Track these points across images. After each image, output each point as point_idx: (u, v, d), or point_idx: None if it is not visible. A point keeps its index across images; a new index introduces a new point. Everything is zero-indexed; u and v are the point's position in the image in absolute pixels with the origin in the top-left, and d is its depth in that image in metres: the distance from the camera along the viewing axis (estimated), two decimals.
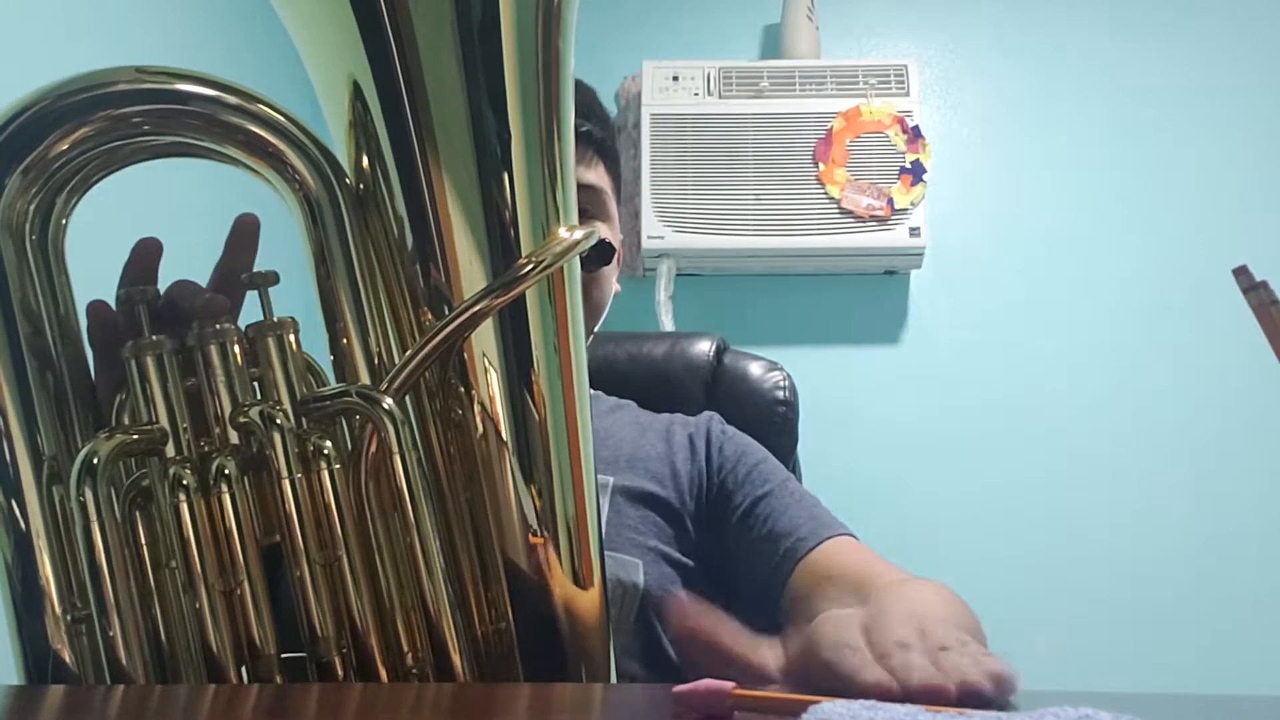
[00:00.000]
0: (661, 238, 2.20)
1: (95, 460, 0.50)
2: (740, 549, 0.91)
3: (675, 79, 2.28)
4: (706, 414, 1.03)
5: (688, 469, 0.95)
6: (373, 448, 0.54)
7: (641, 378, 1.20)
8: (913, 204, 2.20)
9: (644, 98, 2.26)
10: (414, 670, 0.54)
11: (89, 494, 0.50)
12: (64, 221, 0.57)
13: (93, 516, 0.50)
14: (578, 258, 0.60)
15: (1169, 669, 2.07)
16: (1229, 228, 2.26)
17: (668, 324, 2.18)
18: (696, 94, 2.27)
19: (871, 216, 2.20)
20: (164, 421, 0.54)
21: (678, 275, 2.25)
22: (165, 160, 0.59)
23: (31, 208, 0.55)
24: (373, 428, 0.53)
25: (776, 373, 1.21)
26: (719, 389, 1.20)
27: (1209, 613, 2.12)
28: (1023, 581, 2.15)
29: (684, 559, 0.92)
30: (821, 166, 2.22)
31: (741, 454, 0.96)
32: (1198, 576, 2.14)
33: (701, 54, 2.33)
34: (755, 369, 1.22)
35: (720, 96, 2.27)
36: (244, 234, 0.62)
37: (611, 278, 1.01)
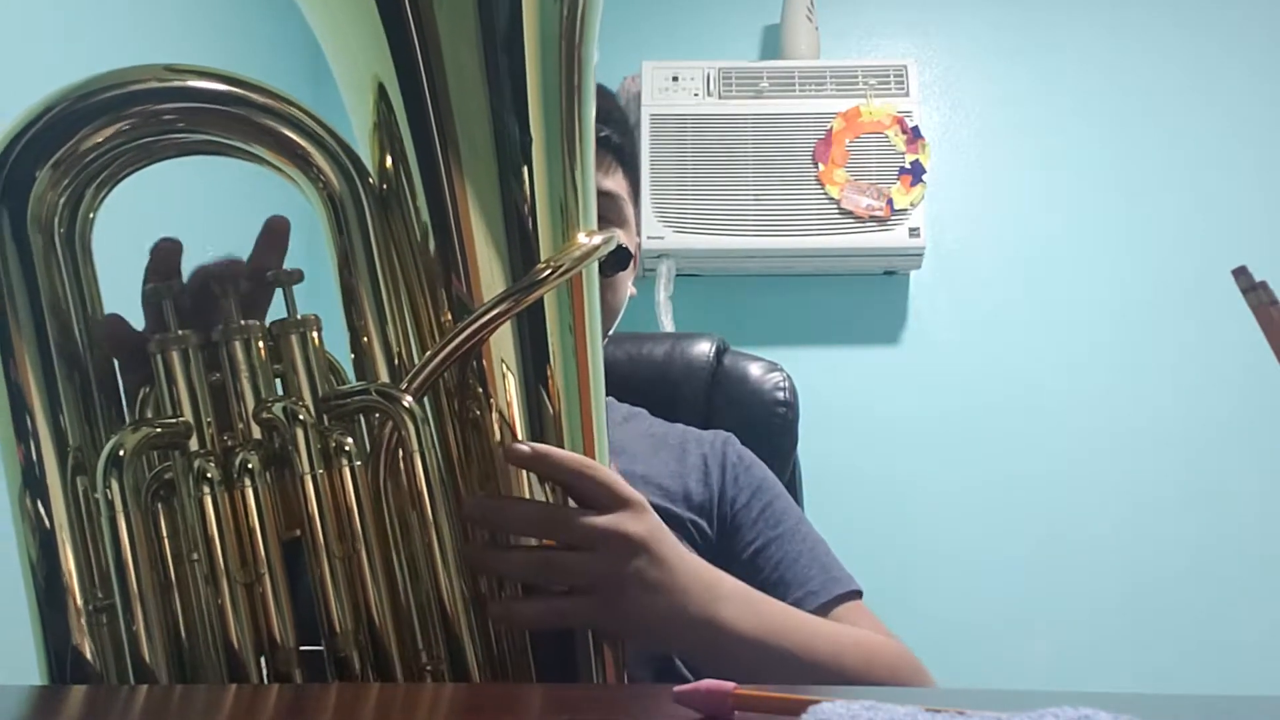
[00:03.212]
0: (661, 238, 2.20)
1: (121, 452, 0.51)
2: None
3: (675, 79, 2.28)
4: (722, 435, 1.01)
5: (700, 491, 0.94)
6: (391, 446, 0.54)
7: (642, 379, 1.20)
8: (912, 204, 2.20)
9: (643, 98, 2.26)
10: (428, 668, 0.54)
11: (115, 486, 0.50)
12: (91, 215, 0.57)
13: (118, 508, 0.50)
14: (596, 263, 0.60)
15: (1169, 669, 2.08)
16: (1228, 228, 2.27)
17: (668, 324, 2.18)
18: (696, 94, 2.27)
19: (871, 217, 2.20)
20: (188, 415, 0.54)
21: (678, 275, 2.25)
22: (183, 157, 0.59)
23: (61, 201, 0.55)
24: (393, 426, 0.54)
25: (777, 373, 1.21)
26: (719, 390, 1.20)
27: (1209, 613, 2.12)
28: (1022, 581, 2.15)
29: None
30: (821, 167, 2.22)
31: (757, 488, 0.95)
32: (1198, 576, 2.14)
33: (701, 54, 2.33)
34: (755, 370, 1.22)
35: (720, 97, 2.27)
36: (274, 235, 0.62)
37: (627, 282, 1.00)
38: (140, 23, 1.72)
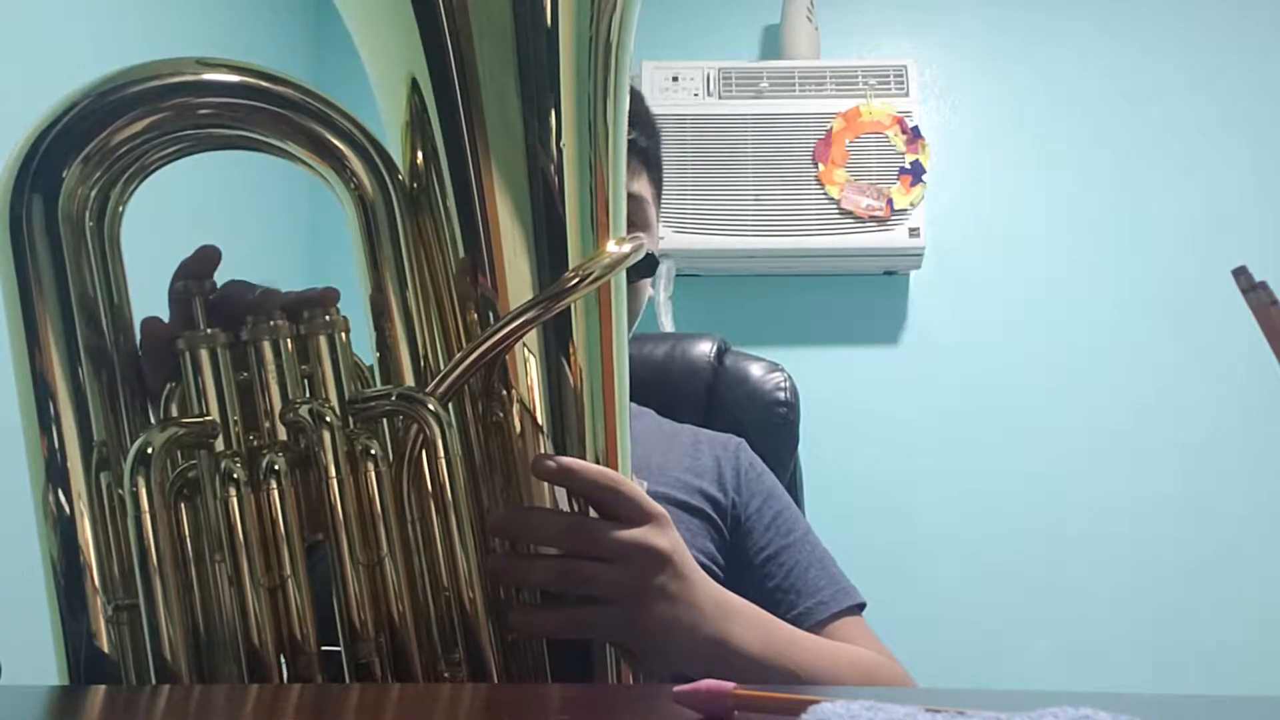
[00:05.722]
0: (662, 238, 2.20)
1: (149, 450, 0.50)
2: (751, 590, 0.90)
3: (675, 79, 2.28)
4: (734, 439, 1.01)
5: (714, 490, 0.94)
6: (417, 450, 0.54)
7: (642, 379, 1.20)
8: (912, 204, 2.20)
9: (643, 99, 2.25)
10: (445, 675, 0.54)
11: (142, 484, 0.50)
12: (120, 209, 0.57)
13: (144, 508, 0.50)
14: (624, 270, 0.60)
15: (1169, 669, 2.08)
16: (1228, 228, 2.27)
17: (668, 325, 2.18)
18: (696, 94, 2.27)
19: (871, 217, 2.20)
20: (215, 414, 0.54)
21: (678, 275, 2.25)
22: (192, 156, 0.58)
23: (92, 194, 0.54)
24: (417, 430, 0.54)
25: (777, 374, 1.21)
26: (720, 390, 1.20)
27: (1209, 613, 2.12)
28: (1023, 581, 2.15)
29: (714, 567, 0.91)
30: (821, 167, 2.22)
31: (768, 495, 0.96)
32: (1198, 576, 2.14)
33: (701, 54, 2.33)
34: (756, 370, 1.21)
35: (720, 97, 2.27)
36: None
37: (647, 286, 1.00)
38: (137, 22, 1.72)
